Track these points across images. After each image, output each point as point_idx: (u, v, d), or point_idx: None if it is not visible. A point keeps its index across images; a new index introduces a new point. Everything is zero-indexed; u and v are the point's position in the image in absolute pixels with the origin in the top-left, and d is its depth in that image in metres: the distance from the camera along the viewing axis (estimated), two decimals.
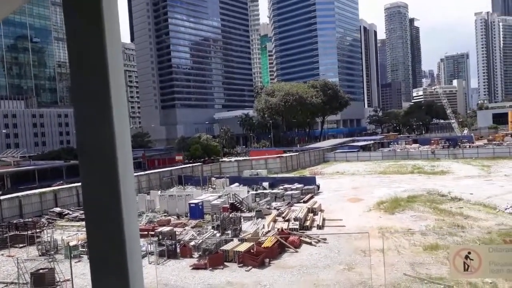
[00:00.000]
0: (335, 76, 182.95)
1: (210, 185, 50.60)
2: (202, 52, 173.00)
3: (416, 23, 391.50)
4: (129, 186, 1.19)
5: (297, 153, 76.16)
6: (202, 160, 76.21)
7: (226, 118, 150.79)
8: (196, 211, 34.33)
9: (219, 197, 38.30)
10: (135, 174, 52.08)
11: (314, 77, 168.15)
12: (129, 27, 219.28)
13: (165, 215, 36.31)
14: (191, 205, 34.91)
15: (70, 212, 38.65)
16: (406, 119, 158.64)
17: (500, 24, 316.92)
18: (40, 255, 26.02)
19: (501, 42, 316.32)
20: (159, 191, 44.30)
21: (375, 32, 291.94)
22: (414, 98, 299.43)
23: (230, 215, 30.93)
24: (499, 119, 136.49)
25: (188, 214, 34.99)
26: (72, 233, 31.19)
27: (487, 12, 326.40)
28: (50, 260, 23.28)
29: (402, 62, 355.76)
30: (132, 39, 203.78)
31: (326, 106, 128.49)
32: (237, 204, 36.29)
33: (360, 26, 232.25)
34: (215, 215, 31.54)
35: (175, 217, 35.70)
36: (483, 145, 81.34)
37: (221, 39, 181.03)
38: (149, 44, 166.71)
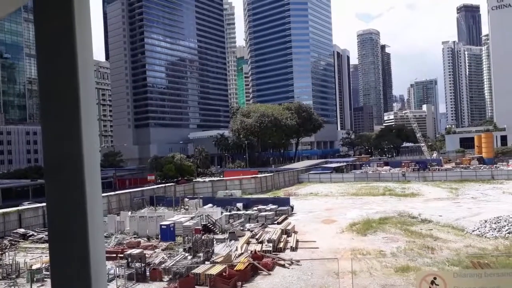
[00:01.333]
0: (309, 99, 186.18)
1: (182, 206, 49.73)
2: (178, 72, 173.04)
3: (387, 50, 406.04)
4: (96, 206, 1.15)
5: (271, 174, 76.27)
6: (175, 180, 75.11)
7: (201, 138, 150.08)
8: (167, 233, 33.53)
9: (192, 218, 37.63)
10: (105, 194, 50.70)
11: (289, 99, 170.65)
12: (104, 46, 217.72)
13: (135, 237, 35.27)
14: (162, 226, 34.11)
15: (35, 234, 37.01)
16: (378, 142, 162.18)
17: (466, 53, 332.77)
18: (0, 279, 24.64)
19: (467, 70, 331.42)
20: (130, 212, 43.15)
21: (348, 57, 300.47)
22: (385, 121, 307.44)
23: (203, 237, 30.35)
24: (466, 143, 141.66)
25: (159, 236, 34.14)
26: (36, 255, 29.80)
27: (454, 42, 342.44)
28: (11, 284, 22.08)
29: (373, 87, 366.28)
30: (107, 58, 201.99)
31: (301, 128, 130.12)
32: (210, 226, 35.72)
33: (334, 51, 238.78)
34: (187, 237, 30.87)
35: (146, 239, 34.74)
36: (451, 168, 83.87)
37: (198, 59, 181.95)
38: (124, 63, 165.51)
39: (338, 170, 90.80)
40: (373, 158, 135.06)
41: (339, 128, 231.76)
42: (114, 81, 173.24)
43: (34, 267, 24.38)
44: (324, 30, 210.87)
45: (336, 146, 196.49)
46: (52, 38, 1.11)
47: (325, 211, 45.54)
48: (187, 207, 48.73)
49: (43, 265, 25.34)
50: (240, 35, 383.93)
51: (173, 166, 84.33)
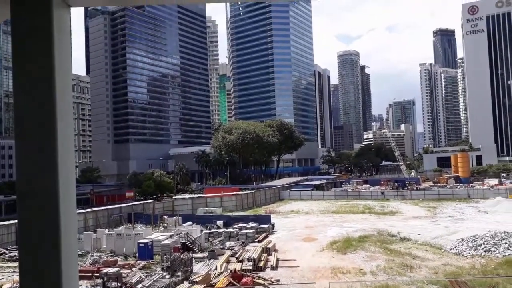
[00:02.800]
0: (291, 117, 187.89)
1: (161, 224, 48.88)
2: (159, 88, 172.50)
3: (366, 70, 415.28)
4: (70, 224, 1.11)
5: (253, 191, 76.00)
6: (154, 197, 73.98)
7: (181, 154, 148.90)
8: (145, 251, 32.81)
9: (170, 236, 36.97)
10: (82, 211, 49.54)
11: (271, 117, 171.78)
12: (85, 60, 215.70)
13: (111, 255, 34.38)
14: (140, 244, 33.38)
15: (7, 252, 35.65)
16: (357, 160, 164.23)
17: (442, 75, 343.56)
18: None
19: (443, 91, 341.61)
20: (107, 230, 42.14)
21: (329, 77, 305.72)
22: (365, 140, 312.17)
23: (181, 256, 29.78)
24: (443, 162, 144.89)
25: (137, 255, 33.37)
26: (7, 274, 28.63)
27: (430, 64, 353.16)
28: None
29: (353, 106, 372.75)
30: (87, 72, 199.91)
31: (282, 145, 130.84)
32: (189, 244, 35.14)
33: (315, 70, 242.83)
34: (165, 256, 30.23)
35: (123, 257, 33.91)
36: (429, 187, 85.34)
37: (180, 76, 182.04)
38: (105, 77, 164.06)
39: (319, 187, 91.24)
40: (353, 176, 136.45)
41: (319, 146, 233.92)
42: (94, 95, 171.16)
43: (4, 286, 23.38)
44: (306, 50, 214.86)
45: (317, 164, 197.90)
46: (30, 52, 1.08)
47: (306, 229, 45.49)
48: (166, 224, 47.89)
49: (14, 285, 24.34)
50: (222, 52, 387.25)
51: (153, 183, 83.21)
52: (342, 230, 43.17)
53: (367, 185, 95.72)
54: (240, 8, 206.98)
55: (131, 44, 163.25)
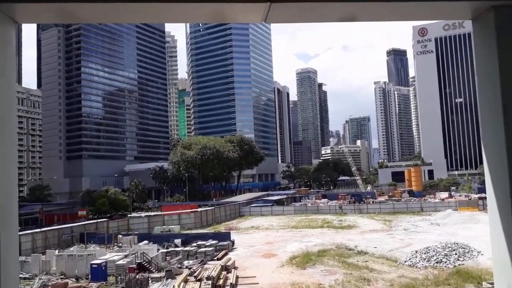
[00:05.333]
0: (251, 132, 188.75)
1: (116, 243, 46.90)
2: (116, 102, 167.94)
3: (324, 88, 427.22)
4: (11, 245, 1.02)
5: (212, 208, 74.94)
6: (108, 215, 71.17)
7: (138, 170, 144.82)
8: (99, 273, 31.30)
9: (126, 256, 35.53)
10: (29, 231, 46.76)
11: (231, 132, 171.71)
12: (36, 73, 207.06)
13: (62, 278, 32.53)
14: (93, 265, 31.85)
15: None
16: (316, 175, 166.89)
17: (395, 93, 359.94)
18: None
19: (397, 108, 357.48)
20: (57, 251, 39.91)
21: (288, 94, 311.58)
22: (323, 155, 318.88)
23: (137, 276, 28.61)
24: (397, 177, 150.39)
25: (89, 276, 31.77)
26: None
27: (384, 82, 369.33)
28: None
29: (312, 122, 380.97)
30: (39, 85, 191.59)
31: (242, 160, 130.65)
32: (145, 264, 33.87)
33: (275, 87, 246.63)
34: (119, 277, 28.94)
35: (74, 279, 32.16)
36: (384, 201, 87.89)
37: (137, 90, 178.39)
38: (58, 91, 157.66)
39: (279, 202, 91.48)
40: (312, 190, 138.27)
41: (279, 161, 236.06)
42: (45, 110, 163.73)
43: None
44: (265, 67, 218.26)
45: (277, 179, 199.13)
46: None
47: (266, 245, 45.24)
48: (120, 244, 46.04)
49: None
50: (182, 67, 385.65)
51: (107, 201, 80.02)
52: (301, 245, 43.29)
53: (326, 200, 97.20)
54: (200, 24, 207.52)
55: (86, 57, 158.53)
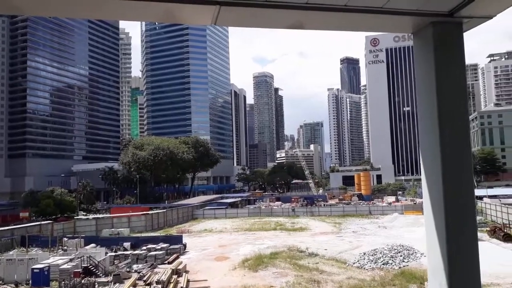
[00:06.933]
0: (207, 134, 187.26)
1: (60, 247, 44.63)
2: (64, 99, 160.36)
3: (280, 92, 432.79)
4: None
5: (164, 210, 73.37)
6: (53, 217, 67.67)
7: (86, 170, 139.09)
8: (40, 278, 29.66)
9: (71, 260, 33.91)
10: None
11: (186, 133, 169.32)
12: None
13: (0, 284, 30.43)
14: (35, 270, 30.14)
15: None
16: (271, 178, 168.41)
17: (347, 100, 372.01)
18: None
19: (348, 115, 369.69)
20: None
21: (245, 97, 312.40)
22: (278, 159, 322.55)
23: (83, 281, 27.39)
24: (348, 181, 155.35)
25: (30, 281, 30.02)
26: None
27: (337, 89, 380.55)
28: None
29: (267, 126, 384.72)
30: None
31: (197, 162, 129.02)
32: (92, 268, 32.50)
33: (231, 90, 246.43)
34: (63, 282, 27.56)
35: (13, 285, 30.24)
36: (335, 204, 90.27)
37: (88, 87, 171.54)
38: (0, 85, 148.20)
39: (233, 205, 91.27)
40: (266, 193, 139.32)
41: (235, 164, 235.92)
42: None
43: None
44: (222, 69, 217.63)
45: (232, 182, 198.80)
46: None
47: (218, 248, 44.94)
48: (65, 247, 43.86)
49: None
50: (136, 65, 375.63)
51: (52, 202, 76.07)
52: (254, 247, 43.43)
53: (279, 202, 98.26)
54: (156, 23, 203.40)
55: (33, 50, 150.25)
